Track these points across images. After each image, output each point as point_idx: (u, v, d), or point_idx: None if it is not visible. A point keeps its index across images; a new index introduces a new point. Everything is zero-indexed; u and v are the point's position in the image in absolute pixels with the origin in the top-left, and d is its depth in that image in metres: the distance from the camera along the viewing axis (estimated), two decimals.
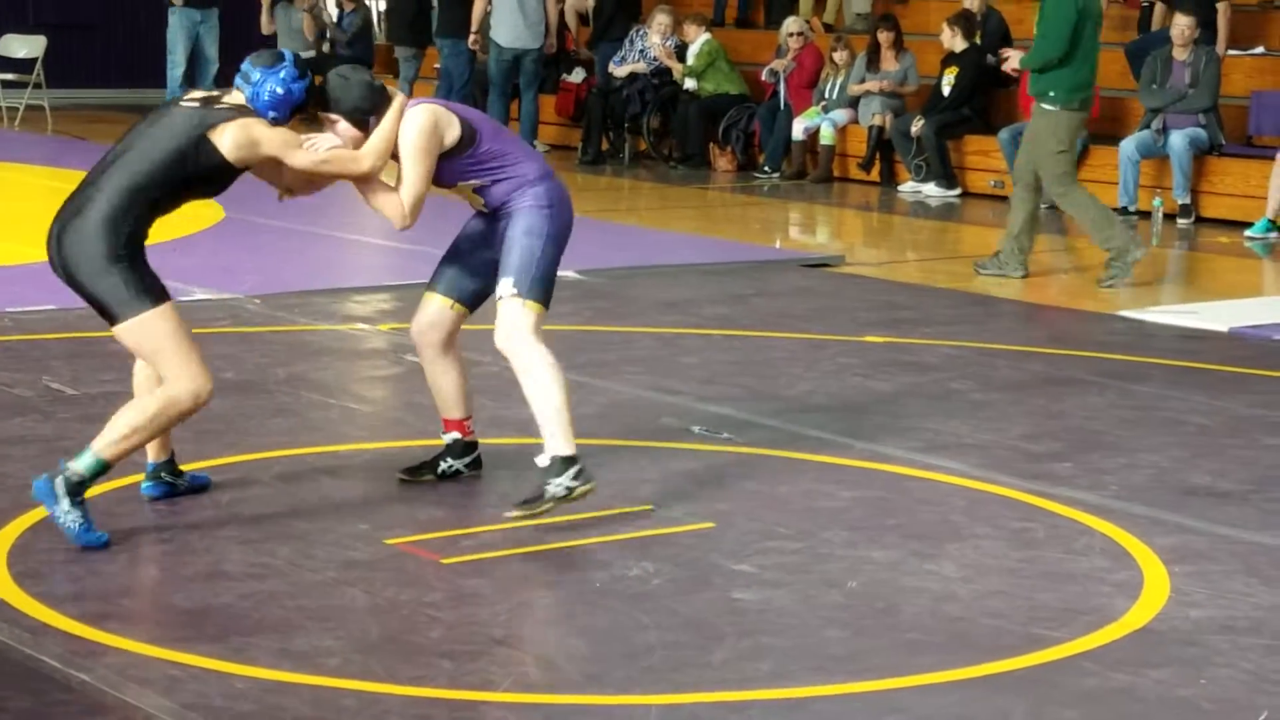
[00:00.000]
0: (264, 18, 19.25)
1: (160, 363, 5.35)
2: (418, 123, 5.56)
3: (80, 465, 5.26)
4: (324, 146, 5.54)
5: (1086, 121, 10.76)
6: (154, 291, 5.35)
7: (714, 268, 10.81)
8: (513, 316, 5.61)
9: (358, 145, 5.58)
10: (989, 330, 9.09)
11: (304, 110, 5.56)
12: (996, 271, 10.64)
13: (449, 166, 5.66)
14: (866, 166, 15.04)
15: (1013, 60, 10.74)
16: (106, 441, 5.30)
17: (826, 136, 15.21)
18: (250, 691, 4.23)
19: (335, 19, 19.50)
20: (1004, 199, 14.08)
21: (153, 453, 5.70)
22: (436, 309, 5.90)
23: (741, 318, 9.25)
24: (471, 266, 5.87)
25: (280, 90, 5.44)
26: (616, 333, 8.75)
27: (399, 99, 5.63)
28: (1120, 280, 10.45)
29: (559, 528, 5.57)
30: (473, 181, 5.70)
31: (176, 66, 19.05)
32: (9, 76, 17.82)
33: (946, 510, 5.92)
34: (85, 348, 7.94)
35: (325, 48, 19.17)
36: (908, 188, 14.65)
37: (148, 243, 5.44)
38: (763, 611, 4.91)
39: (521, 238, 5.66)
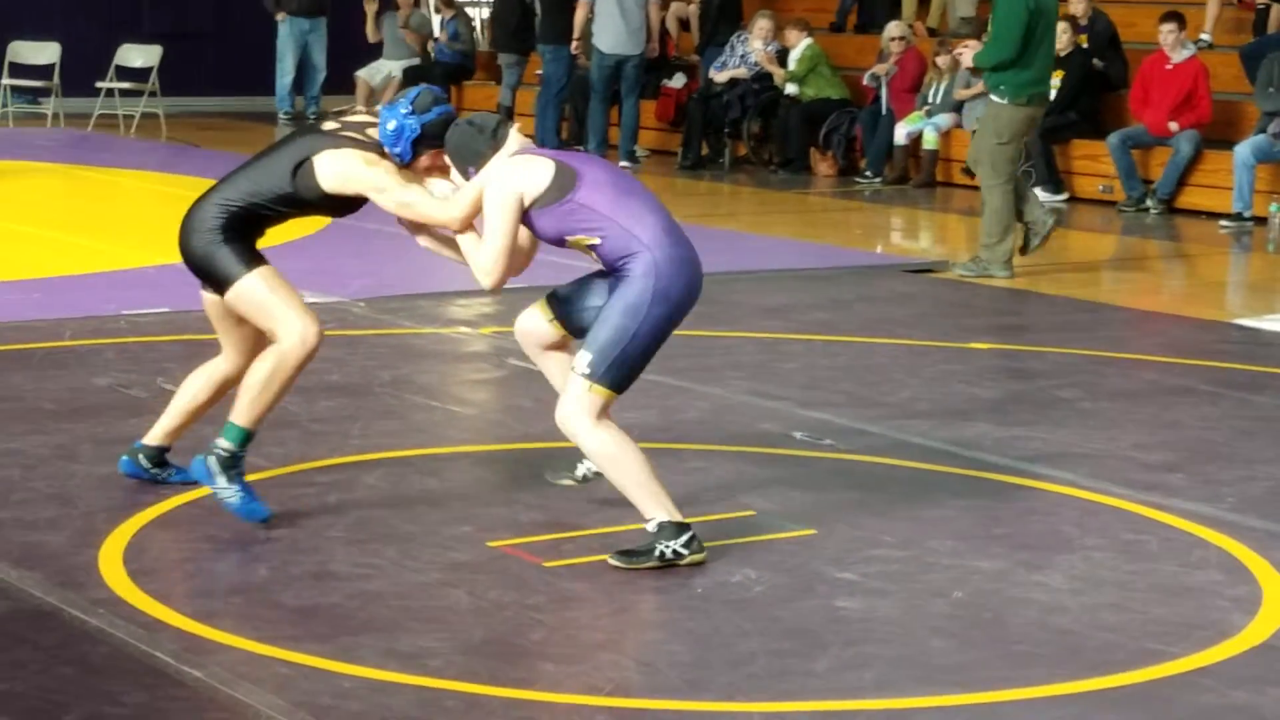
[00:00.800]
0: (369, 27, 19.41)
1: (266, 320, 5.52)
2: (499, 185, 5.27)
3: (227, 440, 5.49)
4: (437, 191, 5.47)
5: (1032, 119, 10.75)
6: (254, 259, 5.54)
7: (815, 273, 10.79)
8: (576, 397, 5.29)
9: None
10: (1097, 337, 9.01)
11: (424, 146, 5.45)
12: (981, 272, 10.65)
13: (547, 218, 5.30)
14: (970, 171, 14.94)
15: (967, 56, 10.81)
16: (241, 409, 5.51)
17: (930, 141, 15.14)
18: (357, 690, 4.28)
19: (437, 26, 19.64)
20: (1113, 204, 13.97)
21: (155, 437, 5.87)
22: (536, 318, 5.62)
23: (843, 323, 9.23)
24: (584, 303, 5.54)
25: (393, 125, 5.41)
26: (718, 338, 8.76)
27: (510, 144, 5.37)
28: (970, 273, 10.60)
29: None
30: (580, 237, 5.30)
31: (285, 75, 19.26)
32: (125, 85, 18.05)
33: (1056, 520, 5.87)
34: (199, 350, 7.99)
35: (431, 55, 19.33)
36: None
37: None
38: (866, 620, 4.89)
39: (618, 316, 5.27)
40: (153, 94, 17.86)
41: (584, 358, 5.29)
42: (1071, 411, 7.40)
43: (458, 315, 9.08)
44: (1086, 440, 6.92)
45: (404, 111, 5.42)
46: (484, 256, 5.34)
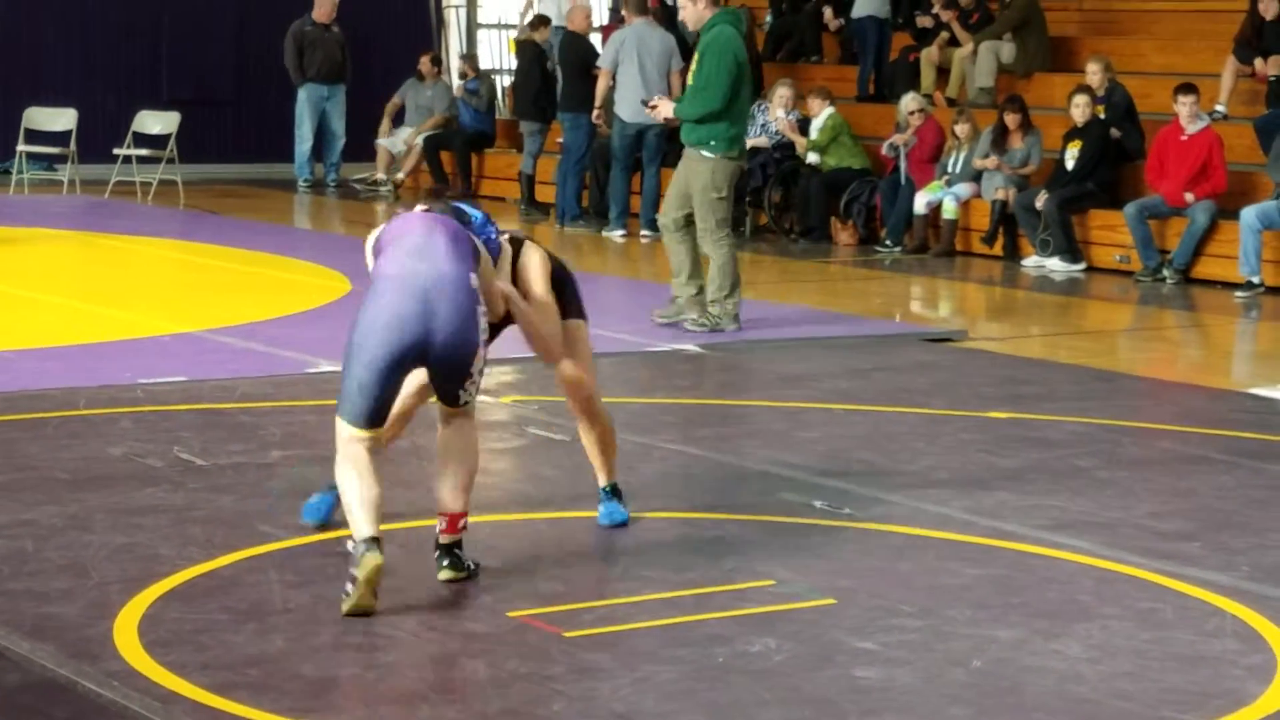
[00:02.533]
0: (385, 124, 19.43)
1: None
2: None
3: None
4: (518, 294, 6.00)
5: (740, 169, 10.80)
6: None
7: (835, 341, 10.79)
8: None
9: None
10: (1115, 406, 9.00)
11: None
12: (710, 323, 10.58)
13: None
14: (990, 241, 14.97)
15: (663, 109, 10.74)
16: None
17: (949, 210, 15.17)
18: None
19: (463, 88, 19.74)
20: (1129, 273, 13.97)
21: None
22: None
23: (863, 392, 9.22)
24: None
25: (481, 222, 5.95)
26: (738, 406, 8.75)
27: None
28: (702, 328, 10.53)
29: (681, 602, 5.57)
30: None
31: (303, 141, 19.36)
32: (143, 152, 18.15)
33: (1073, 589, 5.85)
34: (215, 419, 8.05)
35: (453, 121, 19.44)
36: (1031, 262, 14.56)
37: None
38: (885, 690, 4.86)
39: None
40: (170, 161, 17.95)
41: None
42: (1089, 480, 7.38)
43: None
44: (1103, 509, 6.89)
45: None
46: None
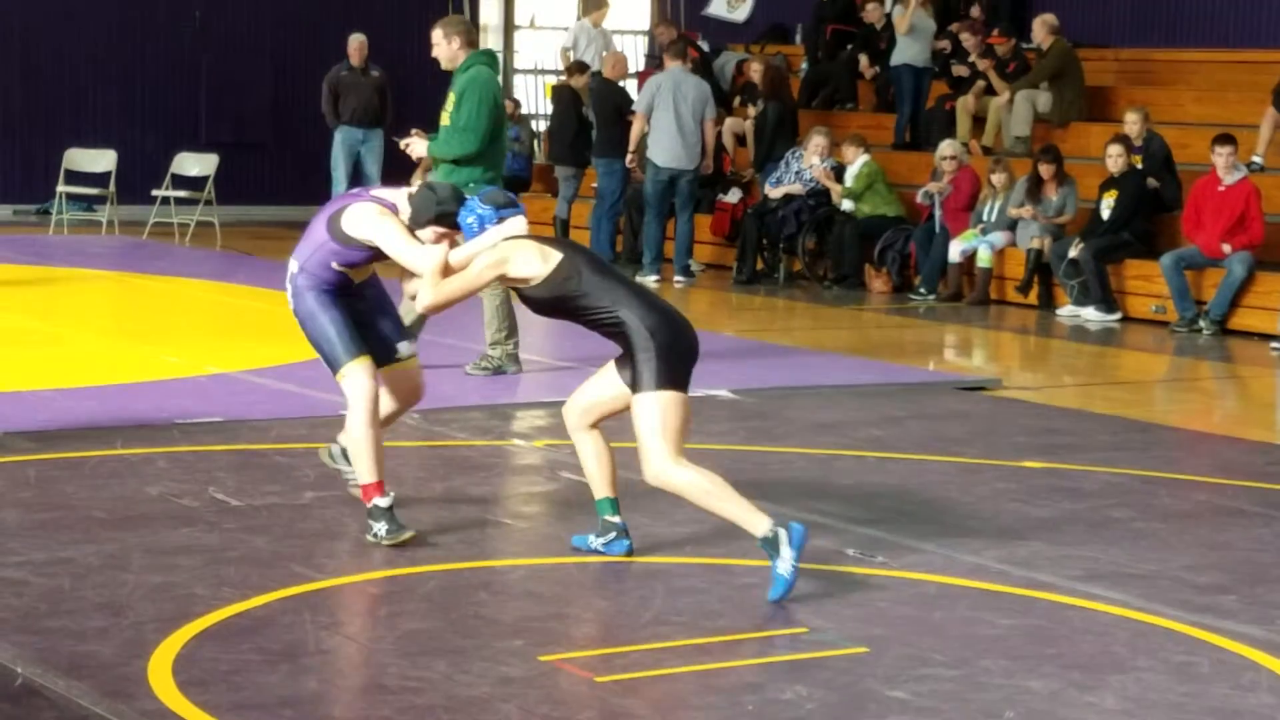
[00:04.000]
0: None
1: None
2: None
3: None
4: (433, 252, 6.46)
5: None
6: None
7: (868, 389, 10.78)
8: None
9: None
10: (1150, 457, 8.97)
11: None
12: (493, 366, 10.50)
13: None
14: (1024, 290, 14.95)
15: (416, 147, 10.34)
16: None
17: (984, 259, 15.16)
18: None
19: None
20: (1165, 324, 13.94)
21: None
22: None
23: (896, 440, 9.21)
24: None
25: (472, 219, 6.47)
26: (771, 453, 8.75)
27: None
28: (484, 372, 10.45)
29: (712, 648, 5.56)
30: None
31: (338, 184, 19.41)
32: (182, 193, 18.27)
33: (1107, 641, 5.83)
34: (250, 459, 8.08)
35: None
36: (1066, 311, 14.54)
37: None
38: None
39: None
40: (208, 202, 18.06)
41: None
42: (1124, 531, 7.35)
43: (512, 428, 9.10)
44: (1139, 560, 6.87)
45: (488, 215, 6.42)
46: (447, 287, 6.38)
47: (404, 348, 6.94)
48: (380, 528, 6.60)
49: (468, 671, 5.27)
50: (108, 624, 5.56)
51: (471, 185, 10.20)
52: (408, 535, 6.62)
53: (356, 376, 6.68)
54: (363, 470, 6.69)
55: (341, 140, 19.20)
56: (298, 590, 5.92)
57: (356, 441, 6.69)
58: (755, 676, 5.32)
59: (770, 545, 6.10)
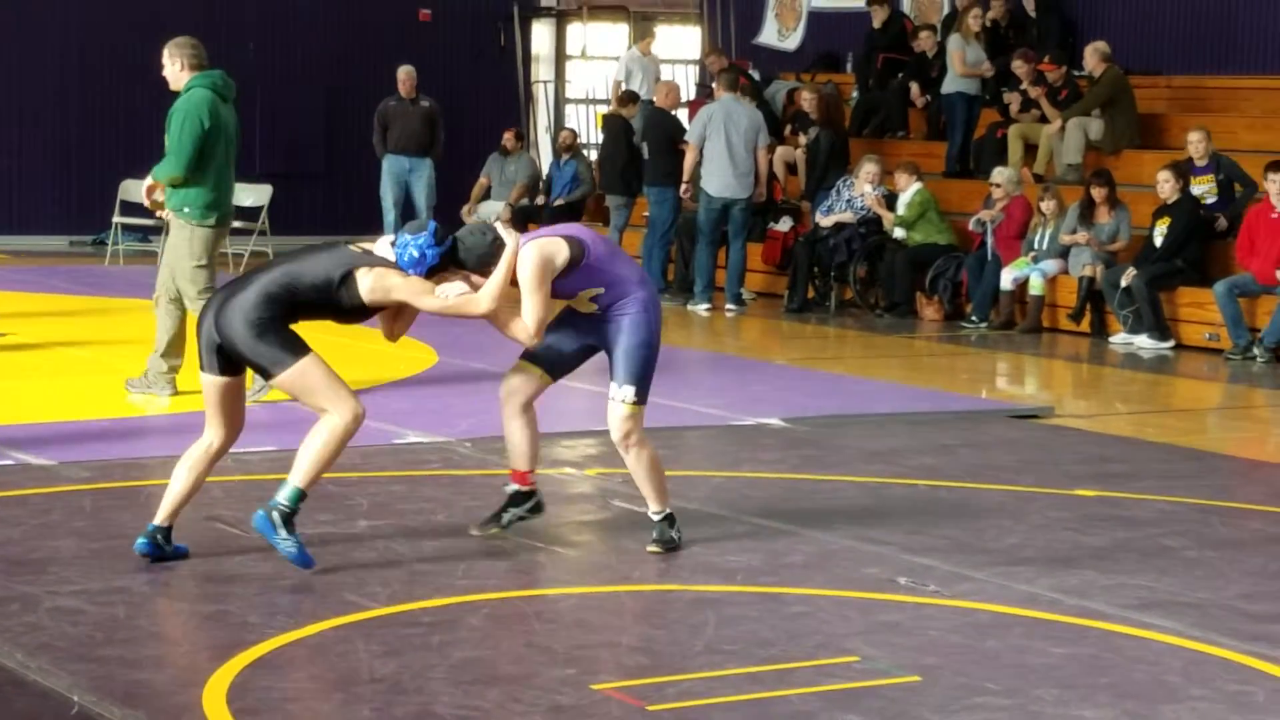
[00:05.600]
0: (469, 206, 19.58)
1: (317, 400, 6.66)
2: (529, 259, 6.71)
3: (286, 499, 6.57)
4: (454, 292, 6.66)
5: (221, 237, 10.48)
6: (297, 347, 6.61)
7: (920, 417, 10.76)
8: (629, 419, 6.97)
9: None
10: (1204, 486, 8.92)
11: (439, 270, 6.67)
12: (144, 390, 10.43)
13: (567, 282, 6.80)
14: (1077, 317, 14.90)
15: (156, 194, 10.34)
16: (299, 473, 6.59)
17: (1036, 287, 15.12)
18: None
19: (549, 168, 19.94)
20: (1219, 352, 13.87)
21: (160, 517, 6.71)
22: (527, 375, 7.09)
23: (948, 468, 9.19)
24: (568, 347, 7.04)
25: (416, 254, 6.61)
26: (822, 481, 8.74)
27: (511, 243, 6.73)
28: (140, 390, 10.42)
29: (764, 677, 5.56)
30: (588, 290, 6.87)
31: (388, 213, 19.50)
32: (235, 224, 18.33)
33: (1161, 670, 5.80)
34: None
35: (539, 199, 19.60)
36: (1119, 339, 14.48)
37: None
38: None
39: (638, 349, 6.91)
40: (262, 232, 18.17)
41: (626, 390, 6.94)
42: (1177, 560, 7.32)
43: (563, 456, 9.12)
44: (1192, 589, 6.83)
45: (424, 244, 6.61)
46: (532, 324, 6.75)
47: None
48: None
49: (520, 700, 5.28)
50: (162, 652, 5.60)
51: (187, 209, 10.20)
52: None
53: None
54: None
55: (388, 169, 19.31)
56: (351, 619, 5.95)
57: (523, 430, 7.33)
58: (808, 705, 5.32)
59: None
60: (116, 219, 18.43)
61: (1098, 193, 14.92)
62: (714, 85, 16.87)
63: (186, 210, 10.26)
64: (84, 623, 5.91)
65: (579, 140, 20.77)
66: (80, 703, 5.13)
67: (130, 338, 13.02)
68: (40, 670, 5.39)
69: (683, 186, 16.53)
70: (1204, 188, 14.88)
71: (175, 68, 10.32)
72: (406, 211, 19.51)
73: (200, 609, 6.09)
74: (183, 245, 10.28)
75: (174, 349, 10.49)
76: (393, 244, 6.70)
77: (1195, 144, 14.92)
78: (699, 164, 16.12)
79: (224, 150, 10.28)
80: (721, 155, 15.91)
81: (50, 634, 5.76)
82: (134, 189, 18.57)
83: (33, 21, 19.46)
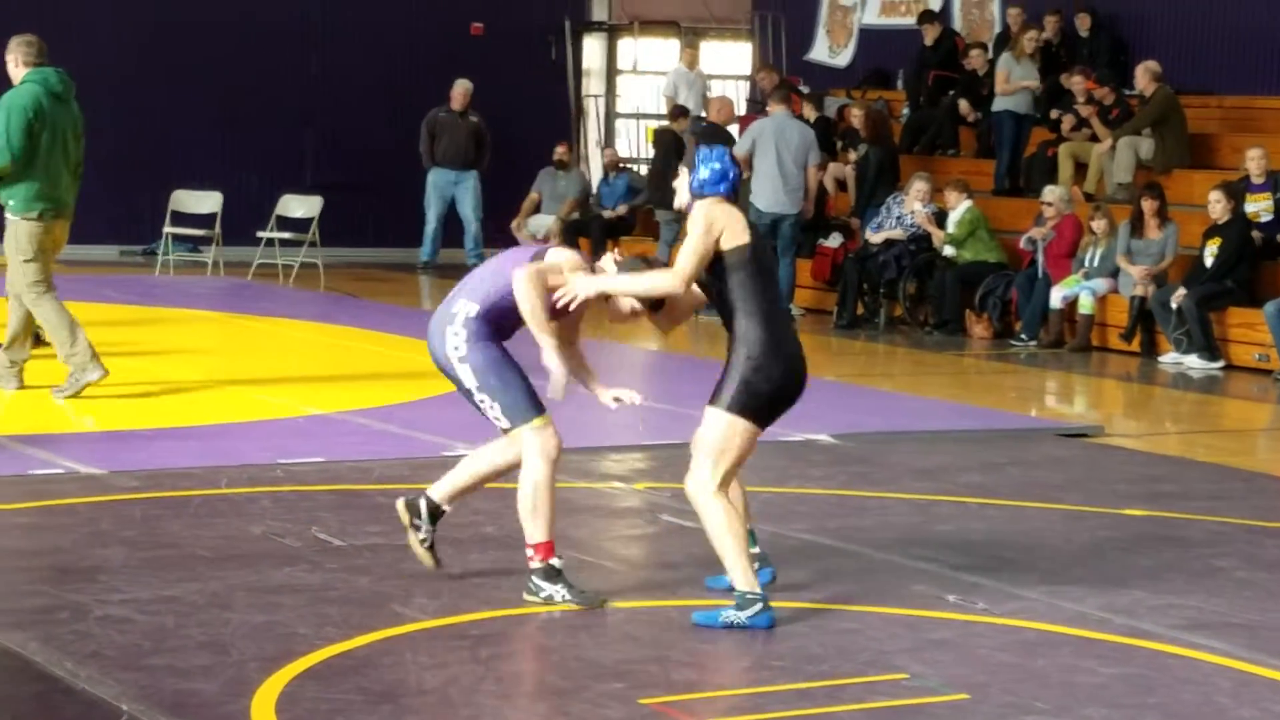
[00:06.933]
0: (520, 219, 19.62)
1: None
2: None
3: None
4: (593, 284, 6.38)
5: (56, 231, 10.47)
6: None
7: (969, 435, 10.73)
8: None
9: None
10: (1254, 506, 8.87)
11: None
12: (75, 383, 10.39)
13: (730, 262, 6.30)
14: (1128, 337, 14.84)
15: None
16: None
17: (1086, 305, 15.06)
18: None
19: (598, 184, 19.98)
20: (1268, 372, 13.79)
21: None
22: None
23: (997, 486, 9.16)
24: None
25: (718, 165, 6.34)
26: (871, 498, 8.73)
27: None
28: (69, 393, 10.32)
29: (813, 693, 5.55)
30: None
31: (428, 224, 19.60)
32: (286, 235, 18.46)
33: (1210, 690, 5.77)
34: (353, 500, 8.15)
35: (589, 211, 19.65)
36: (1169, 359, 14.40)
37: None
38: None
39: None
40: (313, 244, 18.23)
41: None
42: (1227, 580, 7.27)
43: (612, 470, 9.13)
44: (1242, 610, 6.79)
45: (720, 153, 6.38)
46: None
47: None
48: (562, 593, 6.42)
49: (568, 714, 5.28)
50: (211, 662, 5.62)
51: (12, 203, 10.33)
52: (602, 599, 6.48)
53: (544, 435, 6.48)
54: (540, 529, 6.46)
55: (433, 181, 19.41)
56: (399, 630, 5.97)
57: (539, 498, 6.46)
58: None
59: (741, 600, 6.19)
60: (167, 229, 18.52)
61: (1148, 205, 14.84)
62: (770, 99, 16.87)
63: (11, 204, 10.45)
64: (133, 631, 5.94)
65: (628, 155, 20.82)
66: (128, 711, 5.15)
67: (181, 347, 13.11)
68: (89, 679, 5.42)
69: None
70: (1260, 205, 14.81)
71: (12, 64, 10.54)
72: (449, 224, 19.58)
73: (250, 619, 6.11)
74: (10, 240, 10.46)
75: (20, 343, 10.59)
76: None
77: (1254, 161, 14.85)
78: (749, 179, 16.12)
79: (52, 145, 10.41)
80: (771, 170, 15.93)
81: (99, 642, 5.79)
82: (185, 199, 18.74)
83: (88, 33, 19.60)
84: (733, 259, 6.25)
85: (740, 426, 6.25)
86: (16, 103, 10.28)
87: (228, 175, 19.59)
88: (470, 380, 6.50)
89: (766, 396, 6.28)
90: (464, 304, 6.50)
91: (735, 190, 6.38)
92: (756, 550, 6.57)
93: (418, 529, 6.68)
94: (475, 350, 6.47)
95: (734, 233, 6.26)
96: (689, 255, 6.25)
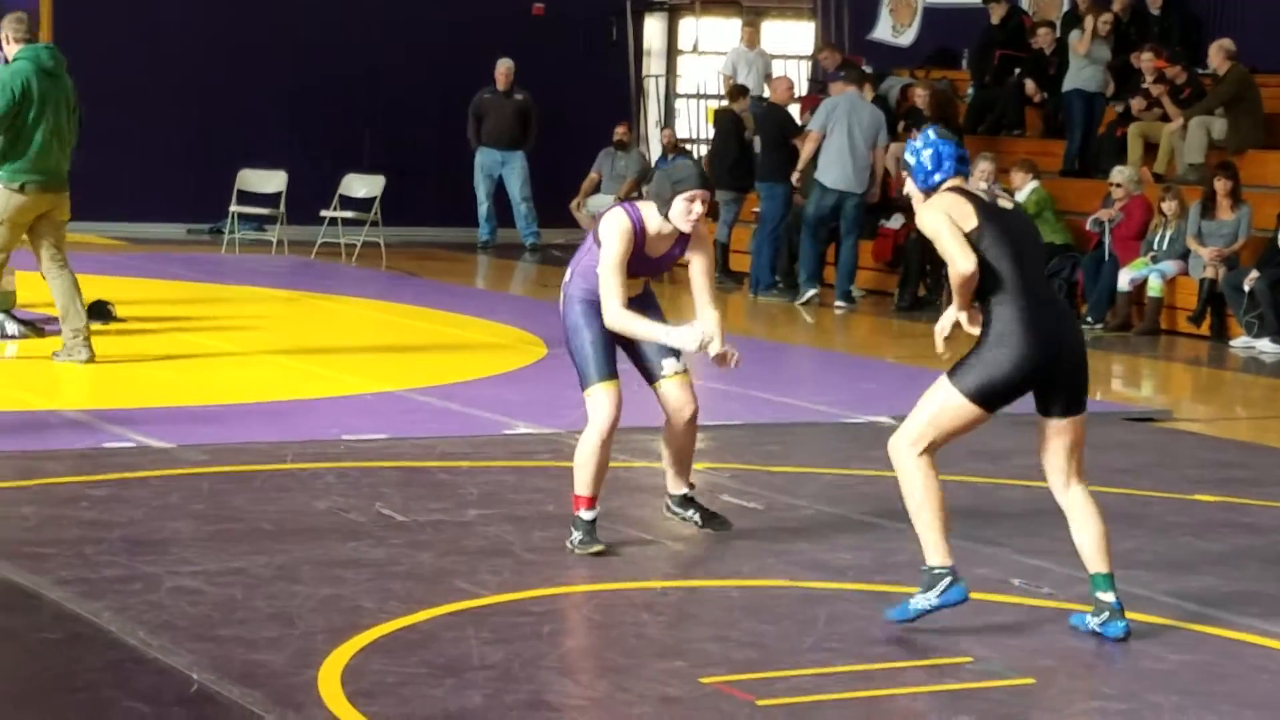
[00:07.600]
0: (579, 199, 19.61)
1: None
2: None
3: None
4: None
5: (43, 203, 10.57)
6: None
7: (1032, 418, 10.59)
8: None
9: None
10: None
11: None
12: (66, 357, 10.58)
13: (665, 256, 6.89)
14: (1197, 320, 14.69)
15: None
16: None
17: (1154, 288, 14.93)
18: None
19: (657, 164, 19.92)
20: None
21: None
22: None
23: None
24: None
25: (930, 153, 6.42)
26: None
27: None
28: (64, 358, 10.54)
29: (875, 675, 5.52)
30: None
31: (480, 204, 19.64)
32: (349, 214, 18.52)
33: None
34: (416, 476, 8.16)
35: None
36: (1240, 343, 14.25)
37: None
38: None
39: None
40: (374, 223, 18.28)
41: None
42: None
43: None
44: None
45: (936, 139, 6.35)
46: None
47: (668, 365, 6.94)
48: (576, 537, 6.84)
49: (629, 691, 5.27)
50: (279, 634, 5.64)
51: (1, 173, 10.49)
52: (596, 548, 6.81)
53: (600, 399, 6.80)
54: (580, 481, 6.87)
55: (480, 162, 19.46)
56: (462, 606, 5.96)
57: (583, 455, 6.86)
58: (918, 705, 5.27)
59: (928, 578, 6.01)
60: (233, 208, 18.60)
61: (1221, 185, 14.67)
62: (827, 81, 16.80)
63: (1, 174, 10.61)
64: (203, 603, 5.96)
65: (688, 136, 20.75)
66: (199, 681, 5.18)
67: (246, 324, 13.16)
68: (161, 649, 5.45)
69: (796, 175, 16.48)
70: None
71: (4, 41, 10.77)
72: (500, 203, 19.60)
73: (316, 592, 6.13)
74: None
75: (73, 313, 10.67)
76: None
77: None
78: (817, 154, 16.06)
79: (42, 119, 10.57)
80: (842, 147, 15.90)
81: (171, 613, 5.82)
82: (250, 178, 18.83)
83: (157, 13, 19.76)
84: (973, 242, 6.12)
85: (963, 403, 6.17)
86: (6, 80, 10.54)
87: (292, 156, 19.65)
88: (567, 340, 6.92)
89: (1009, 377, 6.20)
90: (569, 271, 6.99)
91: (963, 164, 6.32)
92: (1110, 598, 6.10)
93: (687, 522, 7.20)
94: (568, 313, 6.90)
95: (962, 216, 6.18)
96: (952, 248, 6.19)
